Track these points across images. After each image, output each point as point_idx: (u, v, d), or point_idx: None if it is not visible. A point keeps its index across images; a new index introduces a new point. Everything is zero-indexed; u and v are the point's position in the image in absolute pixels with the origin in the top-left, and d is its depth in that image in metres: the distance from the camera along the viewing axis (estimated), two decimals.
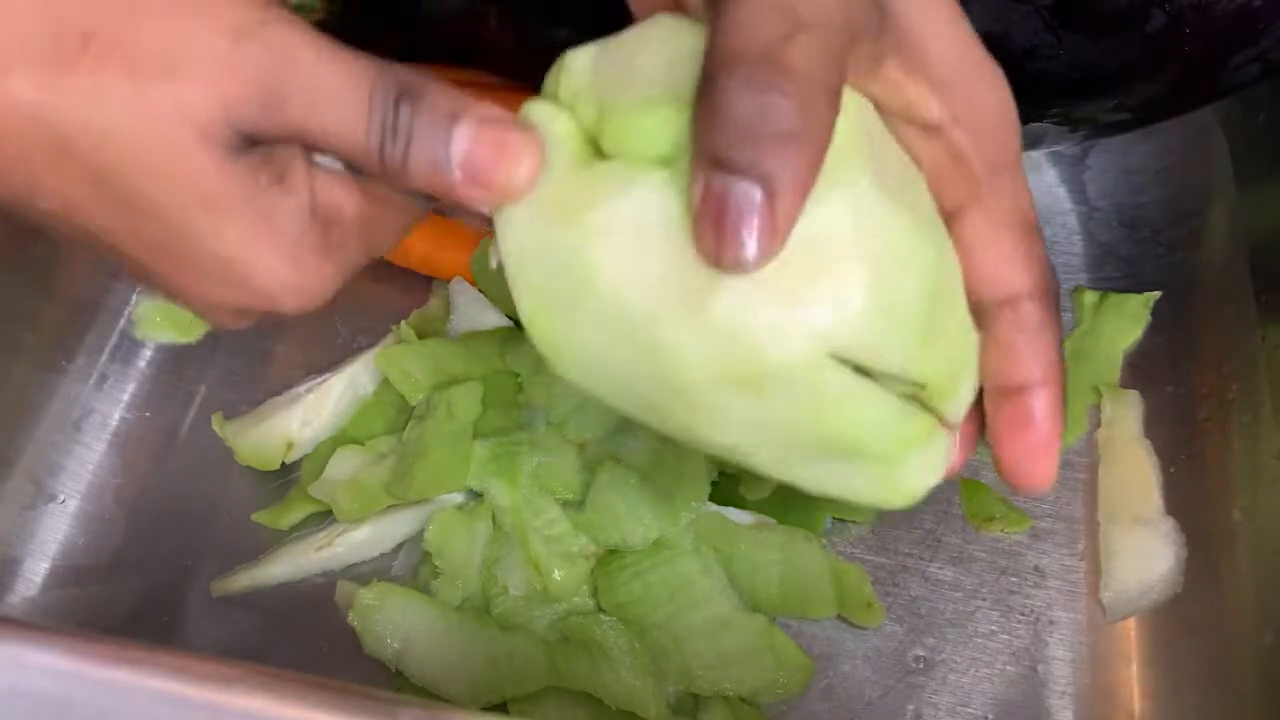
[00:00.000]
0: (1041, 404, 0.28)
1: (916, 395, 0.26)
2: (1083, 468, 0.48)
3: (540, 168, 0.26)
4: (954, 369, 0.27)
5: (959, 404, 0.28)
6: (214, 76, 0.24)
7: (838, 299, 0.24)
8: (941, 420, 0.27)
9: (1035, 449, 0.28)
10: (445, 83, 0.26)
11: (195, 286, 0.28)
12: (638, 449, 0.44)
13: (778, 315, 0.24)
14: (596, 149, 0.26)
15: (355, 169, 0.27)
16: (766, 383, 0.24)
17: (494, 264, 0.28)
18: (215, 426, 0.48)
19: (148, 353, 0.51)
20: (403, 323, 0.49)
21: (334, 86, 0.25)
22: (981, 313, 0.28)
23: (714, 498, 0.44)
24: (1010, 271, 0.27)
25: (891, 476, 0.27)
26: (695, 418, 0.26)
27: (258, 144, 0.25)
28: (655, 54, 0.25)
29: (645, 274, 0.24)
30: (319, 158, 0.27)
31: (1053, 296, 0.28)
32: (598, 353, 0.26)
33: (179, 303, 0.29)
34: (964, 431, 0.29)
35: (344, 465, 0.46)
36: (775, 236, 0.23)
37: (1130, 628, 0.44)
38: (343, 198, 0.27)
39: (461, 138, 0.25)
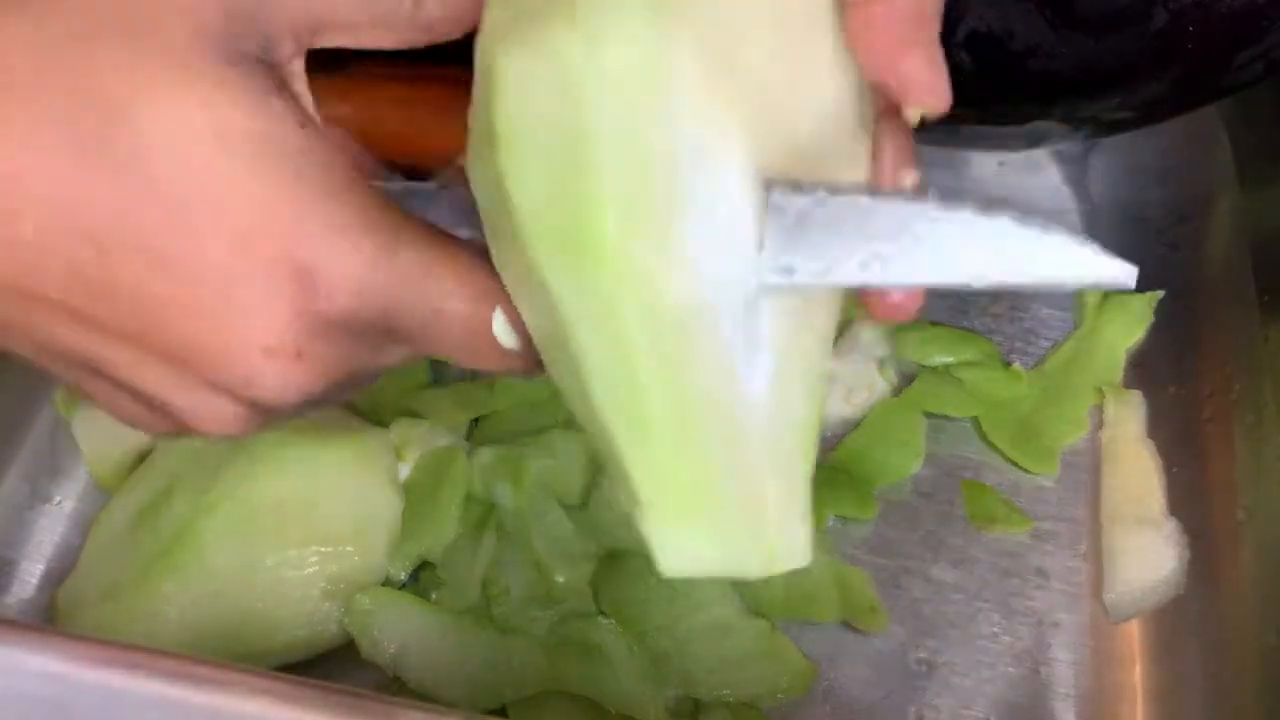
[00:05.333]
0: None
1: None
2: (1085, 468, 0.48)
3: None
4: None
5: None
6: None
7: None
8: None
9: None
10: None
11: (204, 302, 0.23)
12: None
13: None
14: None
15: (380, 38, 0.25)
16: None
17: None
18: (60, 408, 0.47)
19: None
20: None
21: None
22: None
23: None
24: None
25: None
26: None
27: (275, 66, 0.24)
28: None
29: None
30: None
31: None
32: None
33: (158, 382, 0.25)
34: None
35: None
36: None
37: (1133, 629, 0.44)
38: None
39: None
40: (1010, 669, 0.43)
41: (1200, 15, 0.38)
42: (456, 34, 0.25)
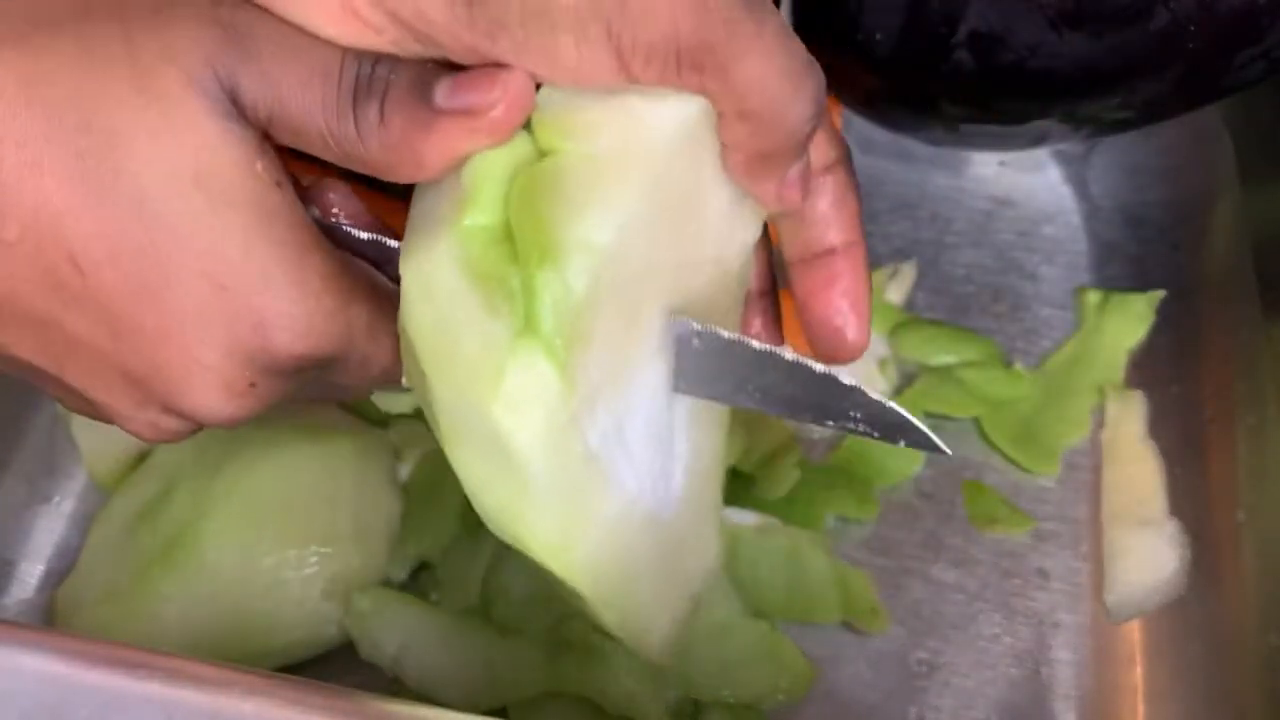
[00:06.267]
0: (847, 261, 0.30)
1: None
2: (1086, 469, 0.48)
3: (529, 96, 0.25)
4: None
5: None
6: (198, 24, 0.24)
7: None
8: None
9: (843, 305, 0.30)
10: None
11: (172, 330, 0.25)
12: None
13: None
14: None
15: (327, 156, 0.26)
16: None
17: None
18: (60, 408, 0.47)
19: None
20: None
21: (309, 44, 0.25)
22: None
23: None
24: (816, 151, 0.29)
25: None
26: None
27: (247, 117, 0.25)
28: None
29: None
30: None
31: (850, 164, 0.30)
32: None
33: (135, 398, 0.26)
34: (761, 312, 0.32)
35: None
36: None
37: (1134, 630, 0.44)
38: (354, 261, 0.27)
39: (445, 78, 0.25)
40: (1011, 669, 0.43)
41: (1201, 15, 0.38)
42: (397, 180, 0.27)
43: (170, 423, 0.27)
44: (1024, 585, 0.45)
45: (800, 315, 0.31)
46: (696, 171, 0.27)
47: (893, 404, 0.28)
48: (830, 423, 0.28)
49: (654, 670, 0.41)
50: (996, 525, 0.46)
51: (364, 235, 0.28)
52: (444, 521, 0.44)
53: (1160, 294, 0.51)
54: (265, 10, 0.25)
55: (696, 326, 0.28)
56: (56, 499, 0.47)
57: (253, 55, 0.24)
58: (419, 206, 0.27)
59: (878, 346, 0.50)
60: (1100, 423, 0.49)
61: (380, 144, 0.25)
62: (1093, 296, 0.51)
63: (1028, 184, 0.55)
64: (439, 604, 0.43)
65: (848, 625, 0.44)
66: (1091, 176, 0.55)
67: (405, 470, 0.45)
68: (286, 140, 0.26)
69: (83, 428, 0.47)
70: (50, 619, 0.43)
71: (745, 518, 0.44)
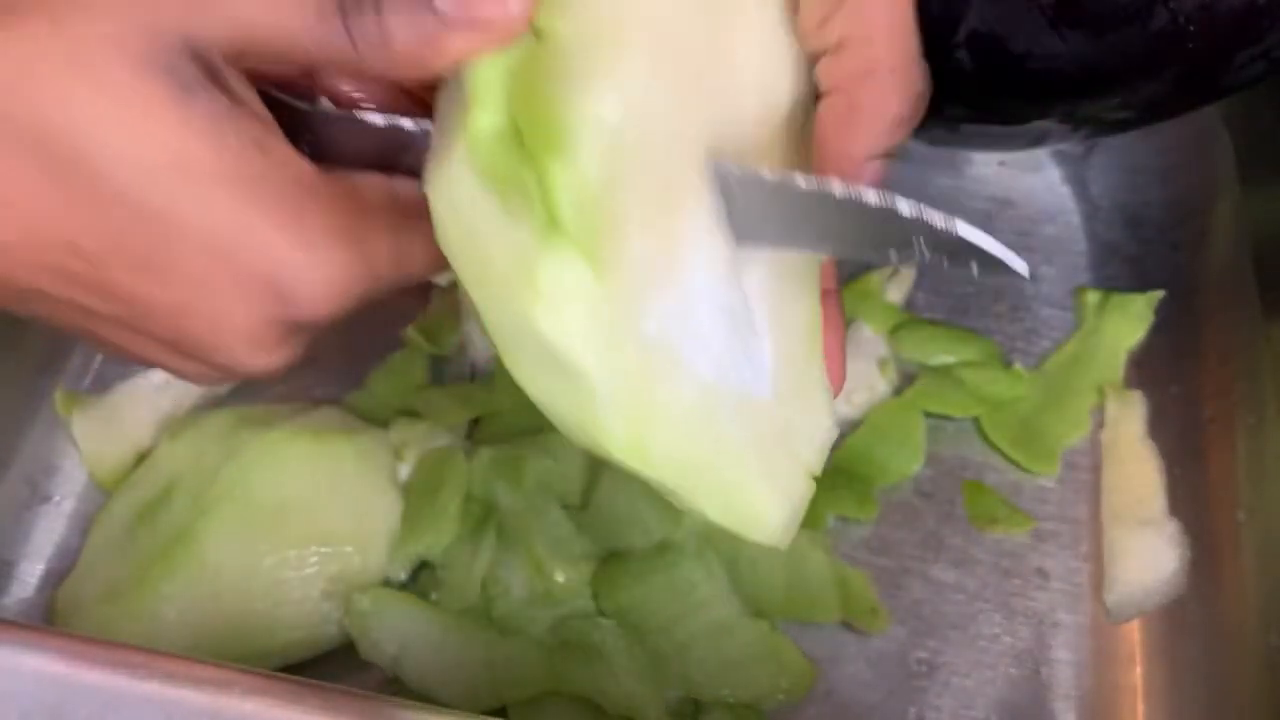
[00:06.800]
0: (825, 310, 0.29)
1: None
2: (1086, 469, 0.48)
3: None
4: None
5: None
6: None
7: None
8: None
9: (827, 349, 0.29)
10: None
11: (190, 305, 0.24)
12: None
13: None
14: None
15: (319, 68, 0.24)
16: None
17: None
18: (60, 408, 0.48)
19: None
20: (409, 329, 0.49)
21: None
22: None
23: None
24: None
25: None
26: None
27: (215, 73, 0.23)
28: None
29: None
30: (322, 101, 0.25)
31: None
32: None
33: (178, 359, 0.26)
34: None
35: None
36: None
37: (1134, 630, 0.44)
38: (360, 179, 0.25)
39: None
40: (1011, 670, 0.43)
41: (1201, 15, 0.38)
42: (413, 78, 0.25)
43: (214, 373, 0.27)
44: (1024, 585, 0.45)
45: None
46: (715, 21, 0.26)
47: (959, 224, 0.25)
48: (894, 253, 0.26)
49: (654, 670, 0.41)
50: (996, 525, 0.46)
51: (380, 122, 0.27)
52: (444, 521, 0.44)
53: (1160, 294, 0.51)
54: None
55: (736, 171, 0.26)
56: (56, 499, 0.47)
57: (208, 3, 0.22)
58: (439, 113, 0.25)
59: (878, 346, 0.50)
60: (1100, 423, 0.49)
61: (382, 58, 0.24)
62: (1092, 296, 0.51)
63: (1027, 184, 0.55)
64: (439, 604, 0.43)
65: (848, 625, 0.44)
66: (1091, 176, 0.55)
67: (405, 470, 0.45)
68: (265, 68, 0.24)
69: (84, 427, 0.47)
70: (50, 619, 0.43)
71: None
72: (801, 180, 0.25)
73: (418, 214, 0.25)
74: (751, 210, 0.26)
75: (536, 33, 0.24)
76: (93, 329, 0.26)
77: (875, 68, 0.26)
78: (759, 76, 0.27)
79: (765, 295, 0.28)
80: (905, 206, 0.25)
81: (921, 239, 0.25)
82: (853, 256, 0.27)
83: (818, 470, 0.29)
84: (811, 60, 0.28)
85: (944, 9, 0.40)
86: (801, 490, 0.29)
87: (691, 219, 0.26)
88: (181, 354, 0.26)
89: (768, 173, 0.26)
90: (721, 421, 0.26)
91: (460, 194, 0.24)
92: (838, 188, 0.25)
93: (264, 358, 0.26)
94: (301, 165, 0.25)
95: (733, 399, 0.27)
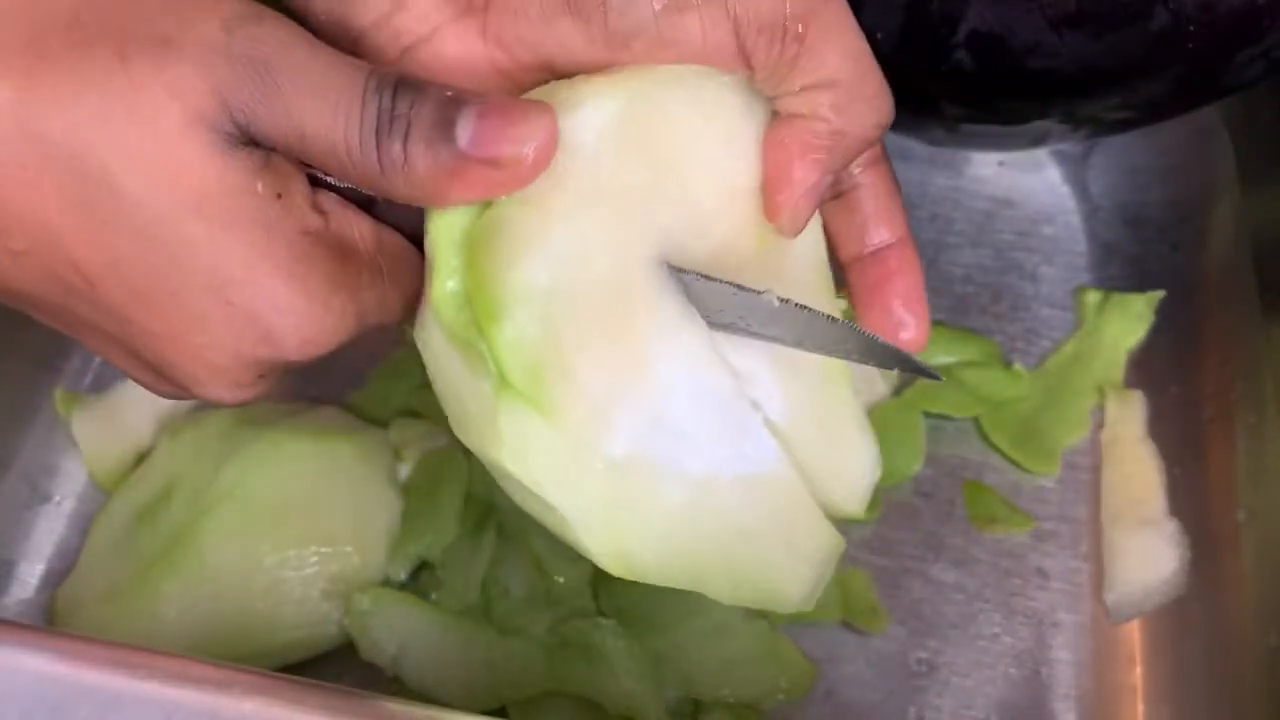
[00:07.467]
0: (900, 258, 0.30)
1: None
2: (1086, 469, 0.48)
3: (554, 146, 0.25)
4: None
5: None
6: (208, 58, 0.23)
7: None
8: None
9: (900, 304, 0.30)
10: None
11: (180, 336, 0.25)
12: None
13: None
14: None
15: (350, 182, 0.26)
16: None
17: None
18: (60, 408, 0.48)
19: None
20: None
21: (328, 74, 0.24)
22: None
23: None
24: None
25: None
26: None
27: (254, 143, 0.25)
28: None
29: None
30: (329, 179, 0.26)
31: (890, 165, 0.31)
32: None
33: (154, 379, 0.27)
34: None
35: None
36: None
37: (1134, 630, 0.44)
38: (357, 228, 0.27)
39: (467, 117, 0.24)
40: (1011, 669, 0.43)
41: (1201, 15, 0.38)
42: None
43: (187, 396, 0.28)
44: (1024, 585, 0.45)
45: (859, 315, 0.31)
46: (657, 147, 0.27)
47: (882, 340, 0.28)
48: (829, 354, 0.29)
49: (654, 670, 0.41)
50: (996, 525, 0.46)
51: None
52: (444, 521, 0.44)
53: (1160, 294, 0.51)
54: (284, 40, 0.24)
55: (686, 275, 0.27)
56: (56, 499, 0.47)
57: (271, 91, 0.24)
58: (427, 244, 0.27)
59: None
60: (1100, 423, 0.48)
61: (404, 182, 0.25)
62: (1092, 296, 0.51)
63: (1027, 184, 0.55)
64: (439, 604, 0.43)
65: (848, 625, 0.44)
66: (1091, 176, 0.55)
67: (405, 470, 0.45)
68: (307, 162, 0.25)
69: (84, 427, 0.47)
70: (50, 619, 0.43)
71: None
72: (739, 288, 0.27)
73: (400, 262, 0.28)
74: (713, 306, 0.27)
75: (484, 203, 0.26)
76: (80, 335, 0.27)
77: (841, 99, 0.27)
78: (717, 173, 0.28)
79: (763, 366, 0.29)
80: (834, 314, 0.28)
81: (852, 345, 0.28)
82: (816, 352, 0.29)
83: (859, 511, 0.31)
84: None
85: (944, 9, 0.40)
86: (826, 550, 0.30)
87: (655, 321, 0.27)
88: (157, 375, 0.27)
89: (707, 279, 0.27)
90: (721, 510, 0.28)
91: (435, 347, 0.26)
92: (771, 298, 0.27)
93: (237, 393, 0.27)
94: (312, 217, 0.26)
95: (733, 483, 0.28)
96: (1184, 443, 0.47)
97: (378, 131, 0.24)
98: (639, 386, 0.27)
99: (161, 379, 0.27)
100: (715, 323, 0.28)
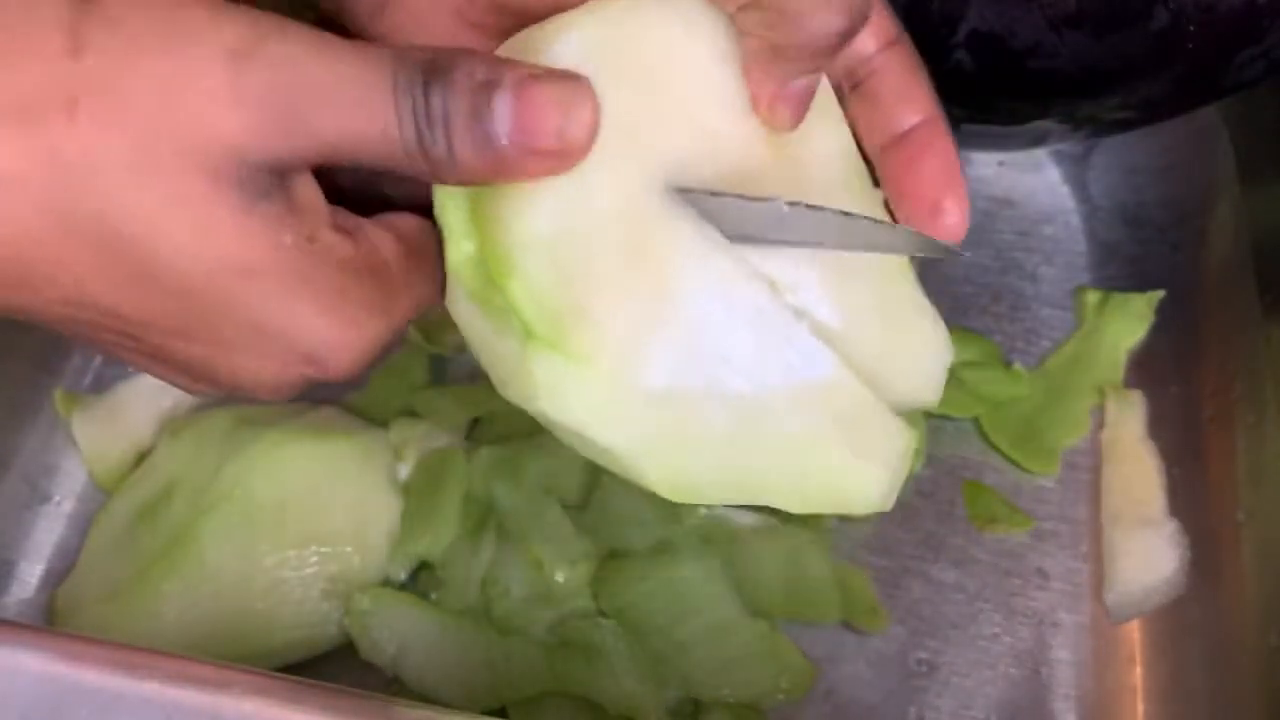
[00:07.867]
0: (930, 137, 0.29)
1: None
2: (1086, 469, 0.48)
3: (597, 117, 0.25)
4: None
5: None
6: (218, 111, 0.22)
7: None
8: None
9: (934, 185, 0.29)
10: (473, 50, 0.25)
11: (224, 362, 0.26)
12: None
13: None
14: None
15: (400, 175, 0.25)
16: None
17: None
18: (60, 408, 0.48)
19: None
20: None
21: (352, 86, 0.23)
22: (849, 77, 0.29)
23: None
24: (872, 29, 0.29)
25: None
26: None
27: (284, 179, 0.24)
28: None
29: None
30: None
31: (911, 43, 0.29)
32: None
33: (201, 386, 0.27)
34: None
35: None
36: None
37: (1134, 630, 0.44)
38: (380, 238, 0.26)
39: (503, 106, 0.24)
40: (1011, 670, 0.43)
41: (1201, 15, 0.38)
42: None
43: (219, 393, 0.28)
44: (1024, 585, 0.45)
45: (894, 206, 0.29)
46: (653, 72, 0.27)
47: (892, 224, 0.27)
48: (866, 250, 0.28)
49: (654, 670, 0.41)
50: (996, 525, 0.46)
51: None
52: (444, 522, 0.44)
53: (1160, 294, 0.51)
54: (295, 57, 0.23)
55: (695, 196, 0.27)
56: (56, 499, 0.47)
57: (293, 122, 0.23)
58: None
59: None
60: (1100, 423, 0.48)
61: (451, 175, 0.25)
62: (1092, 296, 0.51)
63: (1027, 184, 0.55)
64: (439, 604, 0.43)
65: (848, 625, 0.44)
66: (1091, 176, 0.55)
67: (405, 470, 0.45)
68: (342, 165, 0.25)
69: (85, 427, 0.47)
70: (50, 619, 0.43)
71: (745, 518, 0.44)
72: (746, 199, 0.27)
73: (422, 256, 0.27)
74: (730, 221, 0.27)
75: None
76: (118, 356, 0.27)
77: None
78: (715, 91, 0.28)
79: (811, 255, 0.28)
80: (850, 210, 0.27)
81: (862, 238, 0.27)
82: (852, 250, 0.28)
83: (935, 399, 0.31)
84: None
85: (944, 9, 0.40)
86: (899, 446, 0.29)
87: (672, 248, 0.27)
88: (193, 379, 0.27)
89: (714, 195, 0.27)
90: (775, 424, 0.27)
91: (463, 313, 0.27)
92: (780, 204, 0.27)
93: (277, 397, 0.27)
94: (344, 247, 0.26)
95: (783, 394, 0.27)
96: (1184, 443, 0.47)
97: (420, 140, 0.24)
98: (668, 315, 0.26)
99: (198, 383, 0.27)
100: (738, 237, 0.27)
